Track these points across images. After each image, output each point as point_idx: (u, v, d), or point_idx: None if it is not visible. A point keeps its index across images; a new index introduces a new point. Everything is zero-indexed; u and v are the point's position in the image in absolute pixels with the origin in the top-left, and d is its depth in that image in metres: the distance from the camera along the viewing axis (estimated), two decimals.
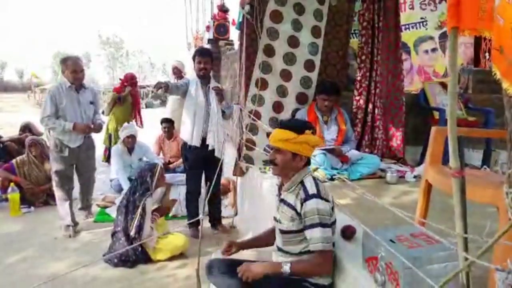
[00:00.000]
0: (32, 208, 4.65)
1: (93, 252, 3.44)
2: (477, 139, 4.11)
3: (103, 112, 5.51)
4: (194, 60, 3.74)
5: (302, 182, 1.93)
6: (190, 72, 6.69)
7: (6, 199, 4.55)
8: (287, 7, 3.92)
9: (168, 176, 4.39)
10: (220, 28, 7.80)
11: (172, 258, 3.33)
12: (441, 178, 1.91)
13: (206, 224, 3.95)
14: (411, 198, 2.95)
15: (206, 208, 3.73)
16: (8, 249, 3.56)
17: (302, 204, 1.87)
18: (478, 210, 1.73)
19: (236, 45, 6.26)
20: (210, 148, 3.70)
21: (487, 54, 5.62)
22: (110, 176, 5.19)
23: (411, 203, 2.58)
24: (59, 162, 3.85)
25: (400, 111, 4.25)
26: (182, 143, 3.91)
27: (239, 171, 4.02)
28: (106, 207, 4.56)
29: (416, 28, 5.60)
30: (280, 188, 2.10)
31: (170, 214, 4.33)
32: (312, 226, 1.83)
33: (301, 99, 4.06)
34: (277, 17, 3.90)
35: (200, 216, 2.25)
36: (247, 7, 3.80)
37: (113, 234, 3.37)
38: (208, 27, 8.45)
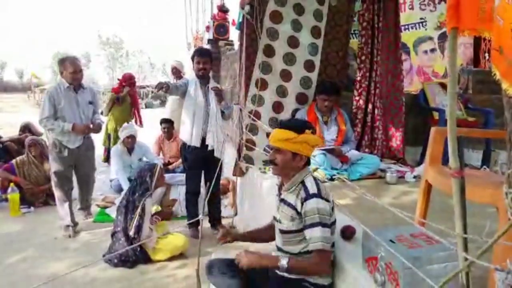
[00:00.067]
0: (32, 208, 4.65)
1: (93, 252, 3.44)
2: (477, 139, 4.11)
3: (101, 113, 5.51)
4: (193, 60, 3.74)
5: (303, 182, 1.93)
6: (189, 72, 6.69)
7: (6, 199, 4.55)
8: (287, 8, 3.92)
9: (167, 176, 4.39)
10: (220, 28, 7.79)
11: (172, 258, 3.33)
12: (441, 178, 1.91)
13: (206, 224, 3.95)
14: (411, 198, 2.95)
15: (206, 208, 3.73)
16: (8, 249, 3.56)
17: (302, 204, 1.87)
18: (478, 210, 1.73)
19: (236, 45, 6.26)
20: (209, 148, 3.70)
21: (486, 54, 5.62)
22: (110, 176, 5.20)
23: (411, 203, 2.59)
24: (58, 163, 3.84)
25: (400, 112, 4.25)
26: (181, 144, 3.91)
27: (239, 171, 4.02)
28: (106, 207, 4.56)
29: (416, 29, 5.61)
30: (280, 188, 2.10)
31: None
32: (312, 225, 1.83)
33: (301, 99, 4.06)
34: (277, 17, 3.90)
35: (200, 216, 2.25)
36: (247, 8, 3.80)
37: (113, 234, 3.37)
38: (208, 27, 8.44)
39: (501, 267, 1.04)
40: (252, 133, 3.84)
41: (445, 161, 1.58)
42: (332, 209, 1.94)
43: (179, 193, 4.42)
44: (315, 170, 3.19)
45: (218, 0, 8.46)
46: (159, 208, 3.90)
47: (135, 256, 3.26)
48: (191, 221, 3.65)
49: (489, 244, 0.95)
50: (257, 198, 3.55)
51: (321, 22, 4.09)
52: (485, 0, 1.07)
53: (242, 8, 3.84)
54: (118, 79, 6.81)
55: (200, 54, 3.74)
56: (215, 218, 4.00)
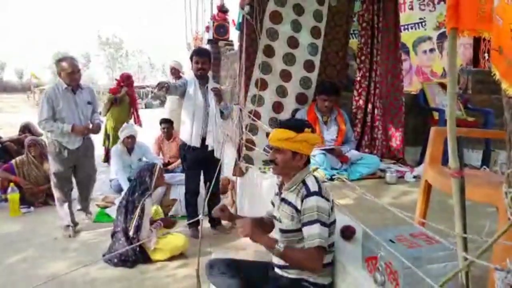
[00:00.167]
0: (32, 208, 4.65)
1: (93, 252, 3.44)
2: (477, 139, 4.12)
3: (100, 113, 5.51)
4: (191, 60, 3.73)
5: (304, 181, 1.93)
6: (188, 72, 6.69)
7: (6, 200, 4.54)
8: (286, 8, 3.92)
9: (167, 176, 4.39)
10: (220, 28, 7.80)
11: (172, 258, 3.32)
12: (440, 178, 1.92)
13: (206, 224, 3.95)
14: (410, 198, 2.96)
15: (206, 209, 3.73)
16: (8, 249, 3.56)
17: (302, 201, 1.87)
18: (478, 210, 1.73)
19: (236, 46, 6.26)
20: (209, 148, 3.70)
21: (486, 54, 5.63)
22: (109, 177, 5.19)
23: (411, 203, 2.59)
24: (58, 164, 3.82)
25: (400, 112, 4.26)
26: (181, 144, 3.91)
27: (238, 172, 4.02)
28: (105, 207, 4.55)
29: (415, 29, 5.62)
30: (280, 187, 2.10)
31: (170, 214, 4.34)
32: (310, 222, 1.82)
33: (301, 99, 4.06)
34: (276, 17, 3.90)
35: (200, 216, 2.24)
36: (246, 8, 3.80)
37: (113, 234, 3.37)
38: (207, 28, 8.45)
39: (501, 266, 1.04)
40: (252, 133, 3.84)
41: (445, 161, 1.58)
42: (332, 209, 1.94)
43: (179, 193, 4.42)
44: (315, 170, 3.19)
45: (218, 1, 8.47)
46: (159, 208, 3.89)
47: (135, 256, 3.26)
48: (191, 221, 3.65)
49: (488, 244, 0.95)
50: (257, 198, 3.55)
51: (321, 23, 4.09)
52: (485, 1, 1.08)
53: (242, 8, 3.84)
54: (116, 79, 6.81)
55: (198, 54, 3.74)
56: (215, 218, 4.00)
